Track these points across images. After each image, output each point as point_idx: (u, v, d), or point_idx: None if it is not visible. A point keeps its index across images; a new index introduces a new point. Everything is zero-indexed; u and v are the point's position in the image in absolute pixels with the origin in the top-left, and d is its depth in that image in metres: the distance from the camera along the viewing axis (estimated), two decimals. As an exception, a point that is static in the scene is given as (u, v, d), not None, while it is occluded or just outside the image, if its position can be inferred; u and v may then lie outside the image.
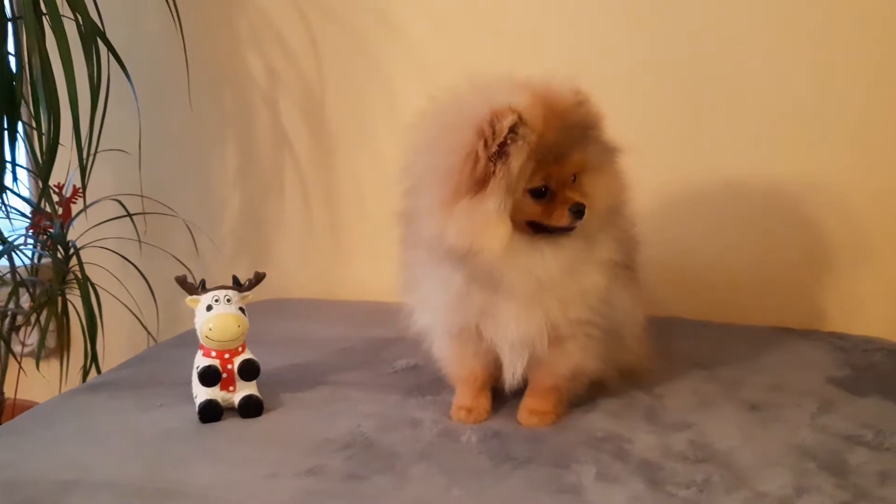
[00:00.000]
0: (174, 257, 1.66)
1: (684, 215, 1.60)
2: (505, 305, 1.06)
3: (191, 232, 1.71)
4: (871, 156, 1.51)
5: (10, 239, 1.57)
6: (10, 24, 1.41)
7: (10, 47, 1.47)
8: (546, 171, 0.99)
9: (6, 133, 1.45)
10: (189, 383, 1.21)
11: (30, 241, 1.67)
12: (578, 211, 1.00)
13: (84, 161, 1.44)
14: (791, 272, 1.57)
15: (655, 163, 1.49)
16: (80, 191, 1.65)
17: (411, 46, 1.71)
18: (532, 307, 1.05)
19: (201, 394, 1.16)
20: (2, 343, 1.61)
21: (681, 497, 0.92)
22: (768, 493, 0.93)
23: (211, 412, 1.14)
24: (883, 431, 1.07)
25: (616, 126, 1.07)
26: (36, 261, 1.68)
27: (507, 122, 0.95)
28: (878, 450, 1.03)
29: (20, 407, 1.57)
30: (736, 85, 1.54)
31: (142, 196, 1.69)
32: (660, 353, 1.32)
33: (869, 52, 1.47)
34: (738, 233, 1.59)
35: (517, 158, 0.96)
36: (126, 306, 1.72)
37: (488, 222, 0.96)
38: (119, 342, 1.76)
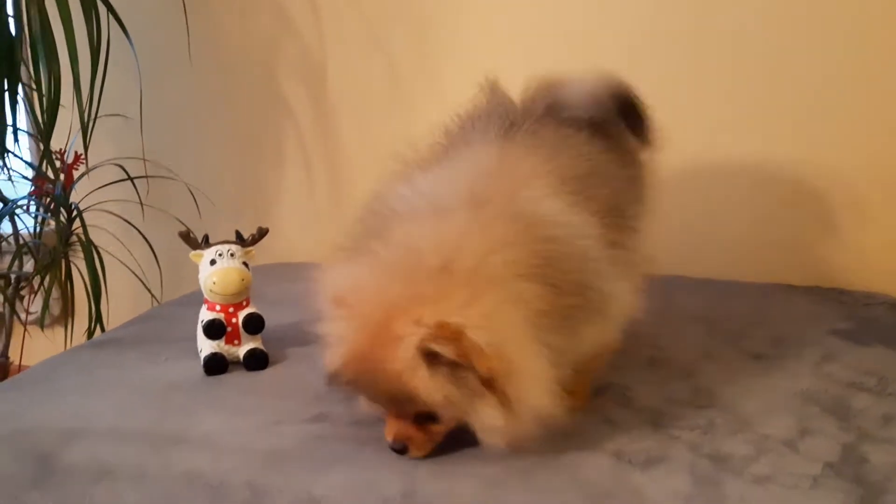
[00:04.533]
0: (177, 220, 1.66)
1: (689, 177, 1.60)
2: None
3: (192, 195, 1.71)
4: (872, 122, 1.51)
5: (11, 203, 1.57)
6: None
7: (9, 9, 1.46)
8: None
9: (6, 95, 1.45)
10: (194, 339, 1.21)
11: (32, 204, 1.67)
12: (394, 449, 0.88)
13: (85, 121, 1.43)
14: (793, 231, 1.57)
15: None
16: (82, 157, 1.65)
17: (410, 12, 1.70)
18: None
19: (206, 347, 1.17)
20: (6, 307, 1.61)
21: (684, 439, 0.92)
22: (772, 435, 0.93)
23: (216, 365, 1.15)
24: (886, 378, 1.08)
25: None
26: (39, 225, 1.68)
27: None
28: (881, 395, 1.04)
29: (25, 372, 1.58)
30: (741, 62, 1.55)
31: (144, 159, 1.68)
32: (661, 310, 1.33)
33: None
34: (742, 193, 1.60)
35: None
36: (130, 269, 1.72)
37: None
38: (123, 306, 1.76)
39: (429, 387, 0.80)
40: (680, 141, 1.55)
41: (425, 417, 0.85)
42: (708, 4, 1.54)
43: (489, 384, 0.80)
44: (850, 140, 1.52)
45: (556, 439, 0.92)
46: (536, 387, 0.82)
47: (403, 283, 0.83)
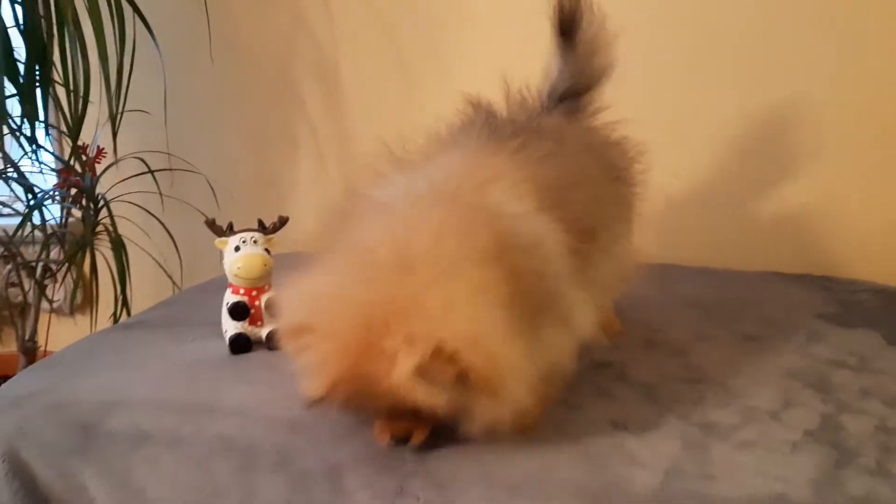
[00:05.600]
0: (198, 210, 1.74)
1: (687, 172, 1.68)
2: None
3: (211, 187, 1.79)
4: (857, 123, 1.59)
5: (41, 194, 1.65)
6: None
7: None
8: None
9: (38, 92, 1.53)
10: (218, 322, 1.28)
11: (58, 196, 1.75)
12: (395, 443, 0.90)
13: (115, 116, 1.52)
14: (784, 222, 1.66)
15: (656, 118, 1.57)
16: (104, 151, 1.73)
17: (421, 10, 1.79)
18: None
19: (231, 328, 1.24)
20: (34, 294, 1.69)
21: (676, 410, 1.00)
22: (757, 406, 1.00)
23: (241, 344, 1.23)
24: (866, 357, 1.16)
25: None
26: (65, 215, 1.76)
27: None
28: (861, 371, 1.11)
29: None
30: (737, 57, 1.63)
31: (168, 154, 1.77)
32: (659, 296, 1.41)
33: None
34: (736, 186, 1.68)
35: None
36: (152, 257, 1.80)
37: None
38: (144, 295, 1.84)
39: (429, 399, 0.81)
40: (678, 139, 1.65)
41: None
42: (705, 14, 1.63)
43: (483, 387, 0.81)
44: (836, 143, 1.60)
45: (560, 411, 1.00)
46: (518, 381, 0.83)
47: (367, 289, 0.82)
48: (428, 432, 0.90)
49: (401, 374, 0.80)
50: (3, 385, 1.19)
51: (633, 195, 1.18)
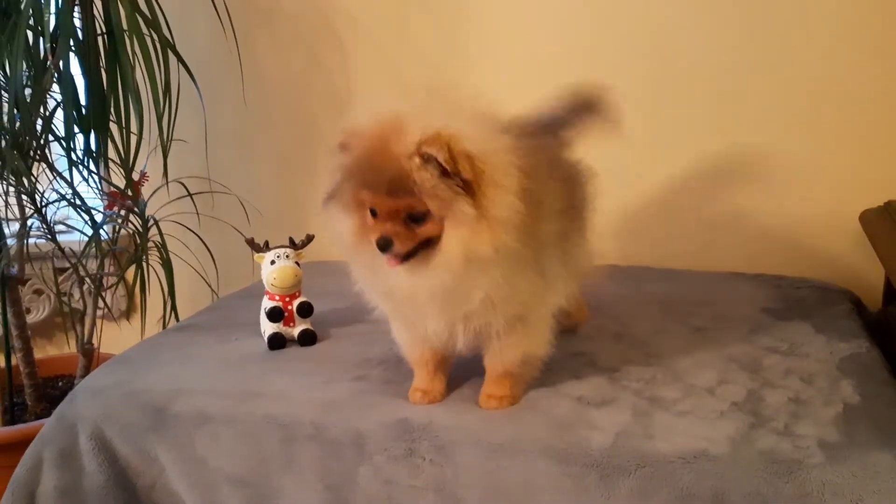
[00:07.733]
0: (233, 227, 1.99)
1: (664, 184, 1.92)
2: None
3: (243, 206, 2.04)
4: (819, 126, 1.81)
5: (103, 217, 1.91)
6: (99, 39, 1.72)
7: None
8: (372, 197, 1.03)
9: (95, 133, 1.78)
10: (256, 323, 1.53)
11: (109, 217, 2.00)
12: (380, 245, 1.02)
13: (166, 150, 1.77)
14: (742, 227, 1.89)
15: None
16: (147, 176, 1.98)
17: (426, 49, 2.04)
18: (426, 308, 1.12)
19: (268, 328, 1.49)
20: (93, 302, 1.95)
21: (631, 388, 1.23)
22: (697, 384, 1.24)
23: (277, 342, 1.47)
24: (795, 344, 1.38)
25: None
26: (116, 233, 2.02)
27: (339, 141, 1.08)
28: (789, 356, 1.34)
29: (103, 358, 1.90)
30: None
31: (209, 179, 2.02)
32: (631, 295, 1.65)
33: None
34: (702, 196, 1.91)
35: (339, 172, 1.08)
36: (194, 269, 2.05)
37: (336, 217, 1.11)
38: (184, 301, 2.08)
39: (421, 175, 0.97)
40: (654, 154, 1.89)
41: (412, 219, 1.01)
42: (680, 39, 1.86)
43: (469, 187, 0.98)
44: (790, 156, 1.83)
45: (538, 389, 1.24)
46: (505, 198, 0.99)
47: (416, 108, 1.02)
48: (413, 245, 1.02)
49: (406, 145, 0.98)
50: (85, 378, 1.45)
51: (590, 206, 1.37)
